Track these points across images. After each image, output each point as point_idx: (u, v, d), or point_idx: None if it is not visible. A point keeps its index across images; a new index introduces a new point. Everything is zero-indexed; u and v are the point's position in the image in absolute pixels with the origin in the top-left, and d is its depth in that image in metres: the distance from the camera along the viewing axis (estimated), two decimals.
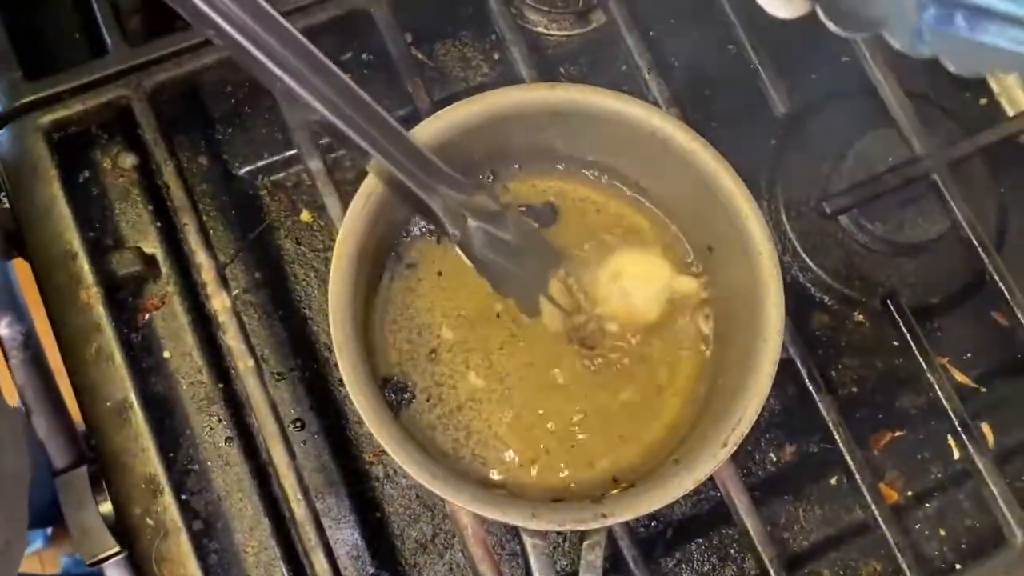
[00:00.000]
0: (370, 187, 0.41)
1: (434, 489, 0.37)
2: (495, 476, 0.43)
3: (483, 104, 0.42)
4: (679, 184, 0.44)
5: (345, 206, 0.43)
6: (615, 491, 0.41)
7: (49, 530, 1.26)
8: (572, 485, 0.43)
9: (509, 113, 0.42)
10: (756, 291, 0.41)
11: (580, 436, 0.44)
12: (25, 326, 0.60)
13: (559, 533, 0.47)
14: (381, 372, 0.44)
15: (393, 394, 0.44)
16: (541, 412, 0.45)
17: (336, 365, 0.50)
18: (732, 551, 0.50)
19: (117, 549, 0.51)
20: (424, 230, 0.47)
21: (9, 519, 0.59)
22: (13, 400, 0.60)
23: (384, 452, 0.49)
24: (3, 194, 0.51)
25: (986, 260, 0.51)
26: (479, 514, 0.39)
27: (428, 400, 0.44)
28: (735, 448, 0.39)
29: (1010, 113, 0.56)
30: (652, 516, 0.50)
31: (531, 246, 0.46)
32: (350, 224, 0.41)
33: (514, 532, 0.48)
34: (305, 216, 0.53)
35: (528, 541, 0.39)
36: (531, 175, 0.47)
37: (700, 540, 0.50)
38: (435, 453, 0.42)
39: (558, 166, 0.47)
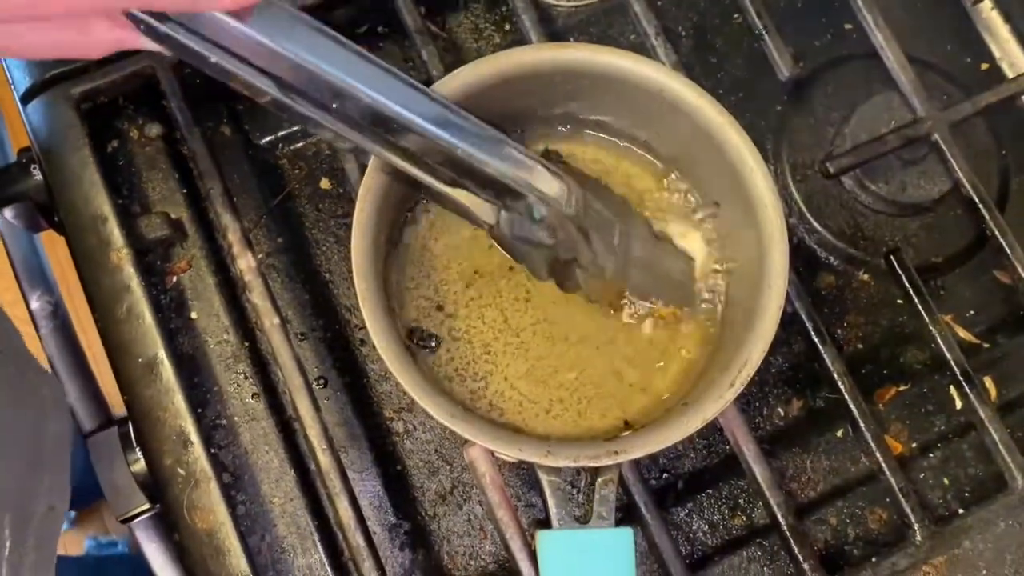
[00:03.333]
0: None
1: (453, 427, 0.39)
2: (512, 424, 0.45)
3: (493, 65, 0.43)
4: (687, 142, 0.46)
5: (363, 173, 0.44)
6: (627, 433, 0.43)
7: (73, 513, 1.29)
8: (586, 432, 0.44)
9: (519, 74, 0.44)
10: (761, 241, 0.43)
11: (593, 387, 0.46)
12: (53, 297, 0.62)
13: (575, 478, 0.49)
14: (401, 325, 0.46)
15: (413, 342, 0.45)
16: (555, 365, 0.46)
17: (357, 326, 0.53)
18: (742, 501, 0.51)
19: (148, 506, 0.53)
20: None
21: (53, 482, 0.61)
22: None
23: (404, 408, 0.52)
24: (34, 166, 0.54)
25: (988, 219, 0.52)
26: (496, 451, 0.40)
27: (446, 353, 0.46)
28: (742, 388, 0.40)
29: (1010, 76, 0.57)
30: (664, 468, 0.52)
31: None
32: (370, 180, 0.42)
33: (531, 484, 0.50)
34: (324, 184, 0.55)
35: (544, 478, 0.40)
36: (541, 138, 0.49)
37: (710, 491, 0.51)
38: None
39: (566, 127, 0.49)
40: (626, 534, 0.40)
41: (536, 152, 0.45)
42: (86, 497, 1.24)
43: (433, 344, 0.45)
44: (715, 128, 0.44)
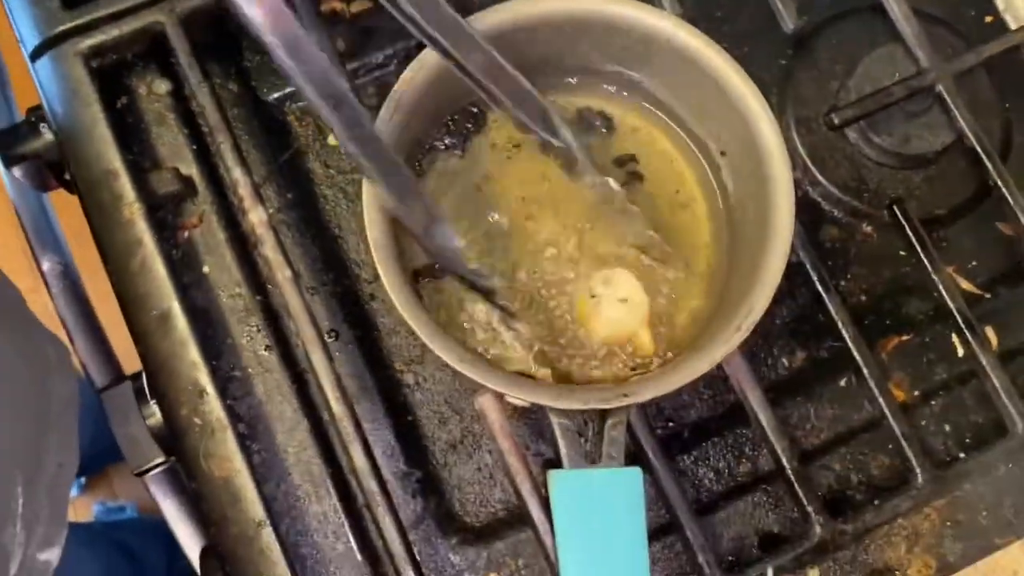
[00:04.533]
0: (396, 97, 0.43)
1: (464, 370, 0.40)
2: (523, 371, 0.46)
3: (503, 14, 0.44)
4: (693, 92, 0.46)
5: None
6: (636, 377, 0.44)
7: (83, 479, 1.30)
8: (597, 378, 0.45)
9: (528, 24, 0.44)
10: (767, 188, 0.43)
11: (604, 338, 0.46)
12: (63, 257, 0.63)
13: (583, 427, 0.50)
14: (411, 267, 0.46)
15: (424, 278, 0.46)
16: (569, 317, 0.47)
17: (367, 280, 0.54)
18: (747, 449, 0.52)
19: (164, 458, 0.54)
20: (448, 144, 0.49)
21: (61, 441, 0.62)
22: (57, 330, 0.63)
23: (414, 361, 0.53)
24: (43, 125, 0.54)
25: (991, 170, 0.53)
26: (508, 395, 0.41)
27: (457, 303, 0.47)
28: (747, 332, 0.41)
29: (1013, 27, 0.57)
30: (669, 418, 0.53)
31: None
32: (379, 129, 0.43)
33: (540, 432, 0.51)
34: (332, 140, 0.55)
35: (555, 421, 0.41)
36: (549, 92, 0.49)
37: (716, 439, 0.52)
38: None
39: (572, 79, 0.49)
40: (635, 472, 0.41)
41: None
42: (94, 464, 1.26)
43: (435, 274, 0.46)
44: (722, 77, 0.44)
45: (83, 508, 1.30)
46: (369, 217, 0.42)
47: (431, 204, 0.42)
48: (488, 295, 0.45)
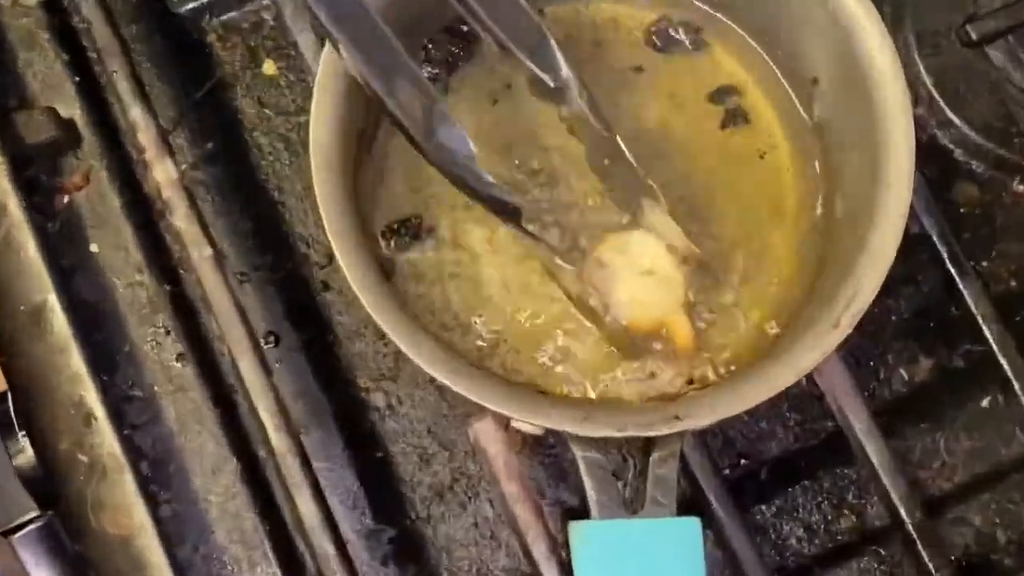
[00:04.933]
0: None
1: (455, 385, 0.40)
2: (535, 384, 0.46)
3: None
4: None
5: (323, 45, 0.45)
6: (691, 392, 0.44)
7: None
8: (636, 393, 0.45)
9: None
10: (876, 127, 0.43)
11: (647, 337, 0.46)
12: None
13: (620, 465, 0.50)
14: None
15: (392, 242, 0.46)
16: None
17: (317, 263, 0.54)
18: (850, 496, 0.52)
19: (37, 512, 0.54)
20: (431, 75, 0.49)
21: None
22: None
23: (384, 376, 0.53)
24: None
25: None
26: (515, 419, 0.41)
27: (441, 295, 0.47)
28: (849, 330, 0.41)
29: None
30: (743, 453, 0.53)
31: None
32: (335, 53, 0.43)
33: (560, 473, 0.51)
34: (268, 68, 0.55)
35: (580, 455, 0.41)
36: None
37: (807, 483, 0.52)
38: None
39: None
40: (691, 524, 0.41)
41: None
42: None
43: (419, 233, 0.46)
44: None
45: None
46: (318, 171, 0.42)
47: (431, 90, 0.42)
48: (512, 217, 0.44)
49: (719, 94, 0.50)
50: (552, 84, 0.45)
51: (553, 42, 0.44)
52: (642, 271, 0.45)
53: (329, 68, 0.43)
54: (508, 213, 0.44)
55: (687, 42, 0.50)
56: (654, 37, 0.50)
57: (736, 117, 0.49)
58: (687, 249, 0.46)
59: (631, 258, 0.45)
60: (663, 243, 0.46)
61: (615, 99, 0.49)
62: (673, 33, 0.50)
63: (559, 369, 0.45)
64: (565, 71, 0.45)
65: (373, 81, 0.41)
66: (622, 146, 0.46)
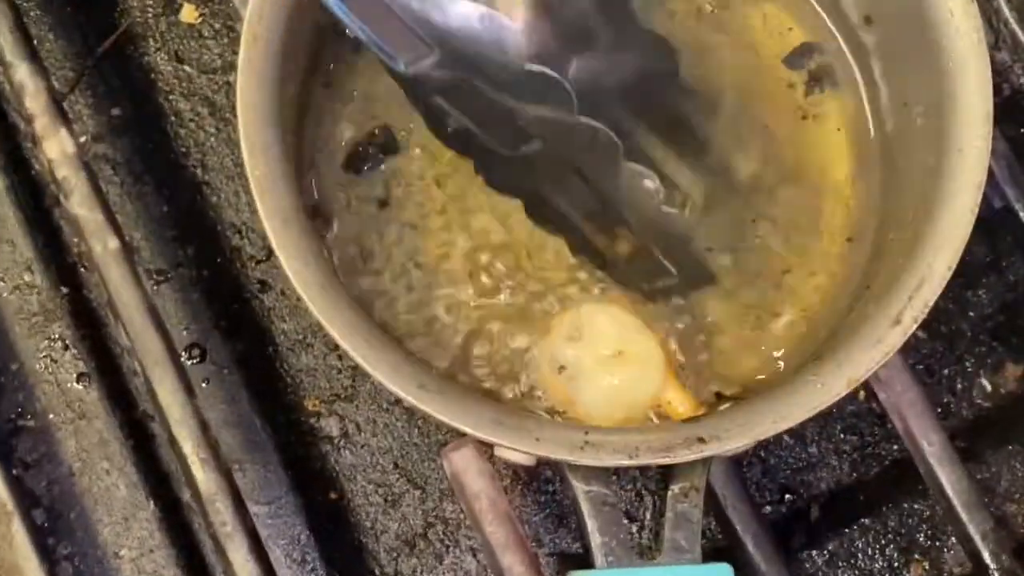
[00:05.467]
0: None
1: (420, 404, 0.40)
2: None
3: None
4: None
5: None
6: (720, 407, 0.44)
7: None
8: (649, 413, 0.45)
9: None
10: (944, 80, 0.43)
11: (664, 338, 0.47)
12: None
13: (632, 502, 0.50)
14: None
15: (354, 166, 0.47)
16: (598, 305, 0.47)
17: (253, 258, 0.54)
18: (921, 536, 0.52)
19: None
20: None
21: None
22: None
23: (339, 397, 0.53)
24: None
25: None
26: (498, 447, 0.41)
27: (405, 289, 0.47)
28: (915, 327, 0.41)
29: None
30: (786, 486, 0.53)
31: None
32: None
33: (558, 515, 0.51)
34: (187, 14, 0.56)
35: (581, 491, 0.41)
36: None
37: (867, 521, 0.52)
38: None
39: None
40: (724, 571, 0.41)
41: None
42: None
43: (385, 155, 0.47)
44: None
45: None
46: (247, 136, 0.42)
47: None
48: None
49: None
50: None
51: None
52: (608, 356, 0.45)
53: (262, 9, 0.43)
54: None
55: None
56: None
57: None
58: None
59: (594, 341, 0.46)
60: (616, 307, 0.46)
61: None
62: None
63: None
64: None
65: None
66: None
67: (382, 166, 0.48)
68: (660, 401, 0.45)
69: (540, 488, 0.52)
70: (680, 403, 0.45)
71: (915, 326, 0.41)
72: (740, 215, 0.48)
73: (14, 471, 0.49)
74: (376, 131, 0.48)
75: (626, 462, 0.40)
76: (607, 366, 0.45)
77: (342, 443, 0.53)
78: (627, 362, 0.45)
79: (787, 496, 0.53)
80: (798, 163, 0.49)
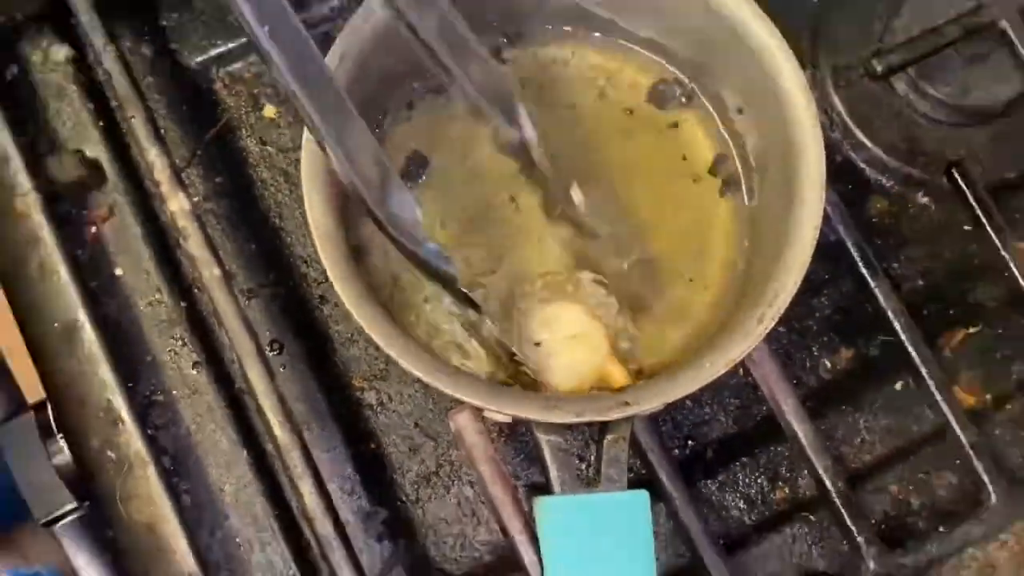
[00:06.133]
0: (345, 46, 0.43)
1: (433, 382, 0.40)
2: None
3: None
4: (702, 39, 0.47)
5: None
6: (638, 382, 0.44)
7: None
8: (595, 389, 0.45)
9: None
10: (792, 150, 0.43)
11: (601, 335, 0.47)
12: None
13: (583, 449, 0.50)
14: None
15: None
16: (556, 312, 0.47)
17: (316, 280, 0.54)
18: (783, 470, 0.53)
19: (75, 504, 0.54)
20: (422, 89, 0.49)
21: None
22: None
23: (376, 376, 0.53)
24: None
25: None
26: (487, 410, 0.41)
27: (424, 304, 0.47)
28: (772, 324, 0.41)
29: None
30: (689, 435, 0.53)
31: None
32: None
33: (532, 458, 0.51)
34: (269, 111, 0.56)
35: (543, 439, 0.41)
36: (530, 41, 0.50)
37: (746, 460, 0.53)
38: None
39: (564, 27, 0.49)
40: (641, 496, 0.41)
41: None
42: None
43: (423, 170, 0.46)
44: (736, 20, 0.44)
45: None
46: (309, 191, 0.42)
47: (387, 162, 0.42)
48: (449, 285, 0.45)
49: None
50: (517, 140, 0.44)
51: (518, 97, 0.44)
52: (568, 337, 0.45)
53: None
54: (444, 279, 0.44)
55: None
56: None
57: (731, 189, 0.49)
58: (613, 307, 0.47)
59: (559, 328, 0.45)
60: (582, 306, 0.46)
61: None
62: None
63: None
64: (529, 130, 0.44)
65: (335, 155, 0.40)
66: (576, 197, 0.47)
67: None
68: (602, 374, 0.45)
69: (517, 439, 0.52)
70: (616, 377, 0.45)
71: (773, 323, 0.41)
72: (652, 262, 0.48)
73: (149, 431, 0.49)
74: None
75: (575, 419, 0.40)
76: (567, 346, 0.45)
77: (379, 409, 0.53)
78: (580, 345, 0.45)
79: (689, 442, 0.53)
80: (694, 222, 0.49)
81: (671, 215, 0.48)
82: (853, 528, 0.47)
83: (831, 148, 0.55)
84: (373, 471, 0.52)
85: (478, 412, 0.45)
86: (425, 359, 0.42)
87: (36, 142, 0.52)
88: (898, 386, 0.54)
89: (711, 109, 0.49)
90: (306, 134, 0.42)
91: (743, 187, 0.48)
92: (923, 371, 0.50)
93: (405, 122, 0.49)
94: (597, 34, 0.50)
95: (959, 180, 0.52)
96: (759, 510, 0.52)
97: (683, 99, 0.50)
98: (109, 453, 0.48)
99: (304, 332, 0.53)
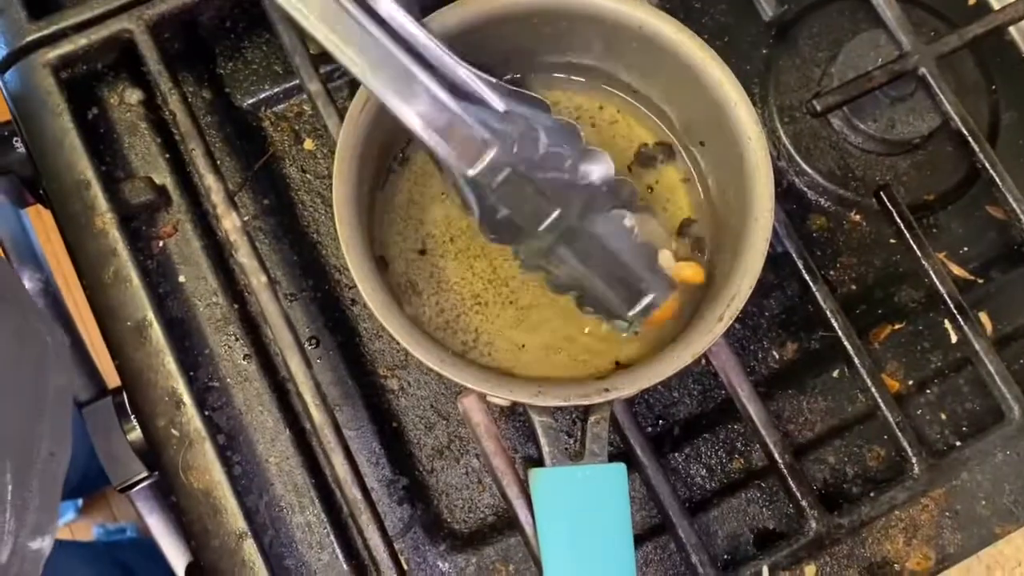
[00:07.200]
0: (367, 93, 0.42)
1: (443, 371, 0.39)
2: (504, 371, 0.45)
3: (466, 9, 0.43)
4: (668, 81, 0.46)
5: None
6: (617, 371, 0.43)
7: (80, 502, 1.29)
8: (578, 376, 0.44)
9: (494, 17, 0.43)
10: (747, 177, 0.42)
11: (585, 333, 0.46)
12: (44, 273, 0.62)
13: (570, 427, 0.49)
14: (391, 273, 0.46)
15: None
16: (546, 313, 0.46)
17: (347, 285, 0.53)
18: (739, 444, 0.51)
19: (145, 473, 0.53)
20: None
21: (55, 429, 0.61)
22: None
23: (398, 366, 0.52)
24: (16, 139, 0.53)
25: (979, 153, 0.52)
26: (488, 395, 0.40)
27: (435, 304, 0.46)
28: (730, 321, 0.40)
29: (997, 7, 0.57)
30: (659, 415, 0.52)
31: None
32: (350, 127, 0.42)
33: (527, 435, 0.50)
34: (308, 144, 0.55)
35: (536, 419, 0.40)
36: (543, 86, 0.49)
37: (707, 435, 0.51)
38: None
39: (548, 75, 0.48)
40: (619, 468, 0.40)
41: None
42: (92, 484, 1.25)
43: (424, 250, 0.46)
44: (697, 64, 0.43)
45: (83, 531, 1.29)
46: (340, 216, 0.41)
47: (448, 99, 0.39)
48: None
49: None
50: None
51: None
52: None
53: (345, 142, 0.43)
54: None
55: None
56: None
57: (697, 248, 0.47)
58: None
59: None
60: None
61: None
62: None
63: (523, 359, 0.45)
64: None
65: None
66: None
67: (420, 231, 0.47)
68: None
69: (515, 419, 0.51)
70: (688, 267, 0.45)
71: (730, 322, 0.40)
72: None
73: (206, 412, 0.48)
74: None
75: (562, 403, 0.40)
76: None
77: (400, 393, 0.52)
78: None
79: (660, 421, 0.52)
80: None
81: None
82: (798, 493, 0.46)
83: (779, 174, 0.55)
84: (395, 445, 0.51)
85: (482, 397, 0.44)
86: (436, 352, 0.41)
87: (113, 171, 0.51)
88: (835, 374, 0.53)
89: (674, 140, 0.48)
90: (336, 165, 0.41)
91: (708, 211, 0.47)
92: (856, 361, 0.48)
93: None
94: (575, 78, 0.49)
95: (886, 201, 0.51)
96: (719, 478, 0.51)
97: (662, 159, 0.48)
98: (173, 431, 0.47)
99: (337, 329, 0.52)
